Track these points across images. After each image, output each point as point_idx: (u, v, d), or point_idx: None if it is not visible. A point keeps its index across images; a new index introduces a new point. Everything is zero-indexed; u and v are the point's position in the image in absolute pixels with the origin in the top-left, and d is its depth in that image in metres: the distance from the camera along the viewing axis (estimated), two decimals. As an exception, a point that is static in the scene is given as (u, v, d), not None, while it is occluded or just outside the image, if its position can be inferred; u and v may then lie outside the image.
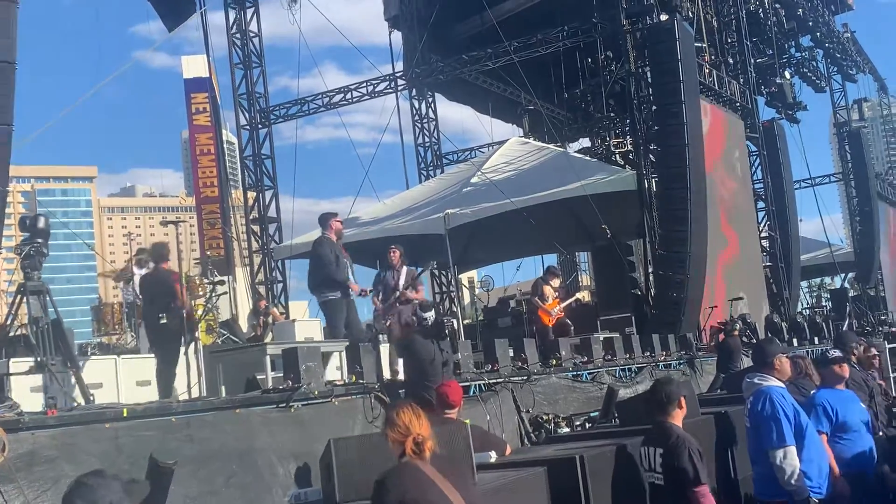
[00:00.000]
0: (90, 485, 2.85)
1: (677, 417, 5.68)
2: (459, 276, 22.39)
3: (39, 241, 7.07)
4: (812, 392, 6.98)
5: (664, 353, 15.50)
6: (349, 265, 11.31)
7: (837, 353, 7.05)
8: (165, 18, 21.15)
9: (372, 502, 4.22)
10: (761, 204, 24.91)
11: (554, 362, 12.60)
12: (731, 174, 22.36)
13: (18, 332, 8.66)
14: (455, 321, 10.84)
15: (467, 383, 9.81)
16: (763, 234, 24.65)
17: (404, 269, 12.23)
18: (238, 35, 22.30)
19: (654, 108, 18.46)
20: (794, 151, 29.89)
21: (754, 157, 24.97)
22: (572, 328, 15.38)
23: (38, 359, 6.81)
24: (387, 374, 9.95)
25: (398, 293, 11.91)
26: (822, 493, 6.05)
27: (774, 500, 5.99)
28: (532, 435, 9.99)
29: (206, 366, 9.48)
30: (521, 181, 19.31)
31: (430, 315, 9.51)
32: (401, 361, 9.69)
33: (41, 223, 7.14)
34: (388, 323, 11.79)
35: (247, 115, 22.56)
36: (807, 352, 18.16)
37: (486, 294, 21.85)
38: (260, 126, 22.69)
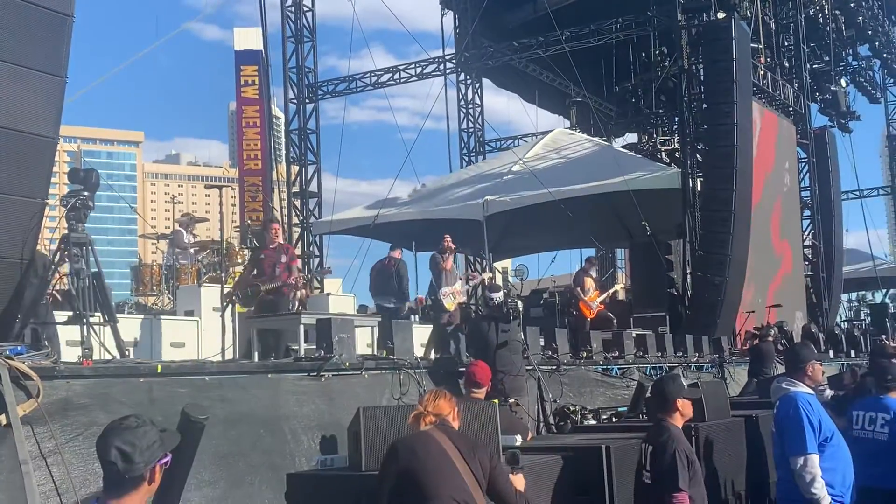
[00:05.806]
0: (128, 426, 2.86)
1: (676, 418, 5.58)
2: (494, 263, 22.23)
3: (86, 193, 7.10)
4: None
5: (697, 354, 15.37)
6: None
7: None
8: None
9: (381, 464, 4.42)
10: (807, 212, 24.56)
11: (584, 354, 12.56)
12: (782, 182, 21.99)
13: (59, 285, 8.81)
14: (521, 304, 10.74)
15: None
16: (806, 243, 24.30)
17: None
18: (292, 9, 22.33)
19: (704, 106, 18.23)
20: (844, 161, 29.44)
21: (803, 164, 24.60)
22: (615, 321, 15.29)
23: (77, 310, 6.86)
24: (418, 352, 9.98)
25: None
26: (844, 502, 5.95)
27: (796, 505, 5.90)
28: (553, 426, 9.96)
29: (240, 331, 9.59)
30: (562, 173, 19.17)
31: (498, 296, 9.46)
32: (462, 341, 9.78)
33: (93, 177, 7.19)
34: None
35: (295, 89, 22.63)
36: (842, 364, 17.98)
37: (520, 283, 21.69)
38: (307, 101, 22.76)
